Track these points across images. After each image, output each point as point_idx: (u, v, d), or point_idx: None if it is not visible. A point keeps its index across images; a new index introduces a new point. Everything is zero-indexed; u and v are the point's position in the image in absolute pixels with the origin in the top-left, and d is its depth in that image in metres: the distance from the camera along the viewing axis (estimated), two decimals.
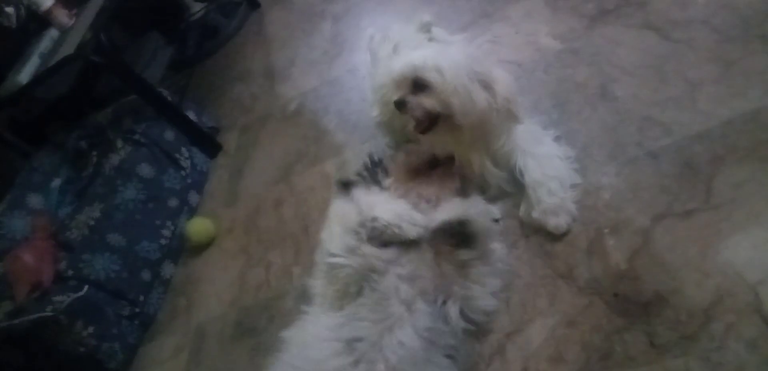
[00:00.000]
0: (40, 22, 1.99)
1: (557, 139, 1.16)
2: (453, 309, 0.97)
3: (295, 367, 0.93)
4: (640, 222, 1.01)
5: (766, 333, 0.80)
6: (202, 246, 1.75)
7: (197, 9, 2.93)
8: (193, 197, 1.92)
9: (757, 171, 0.96)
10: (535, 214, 1.09)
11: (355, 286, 0.97)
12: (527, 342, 0.99)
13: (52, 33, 1.97)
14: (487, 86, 1.04)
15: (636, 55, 1.26)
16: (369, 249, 0.98)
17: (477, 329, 1.01)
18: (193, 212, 1.90)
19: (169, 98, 1.97)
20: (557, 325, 0.98)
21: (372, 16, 2.16)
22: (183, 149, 1.93)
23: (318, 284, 1.05)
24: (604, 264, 1.00)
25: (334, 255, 1.00)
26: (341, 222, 1.03)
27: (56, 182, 1.86)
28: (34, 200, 1.78)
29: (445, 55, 1.05)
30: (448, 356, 0.95)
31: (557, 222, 1.07)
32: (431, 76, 1.03)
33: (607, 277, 0.98)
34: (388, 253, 0.99)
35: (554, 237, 1.09)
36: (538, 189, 1.08)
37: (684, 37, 1.22)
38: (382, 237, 0.99)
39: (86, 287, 1.47)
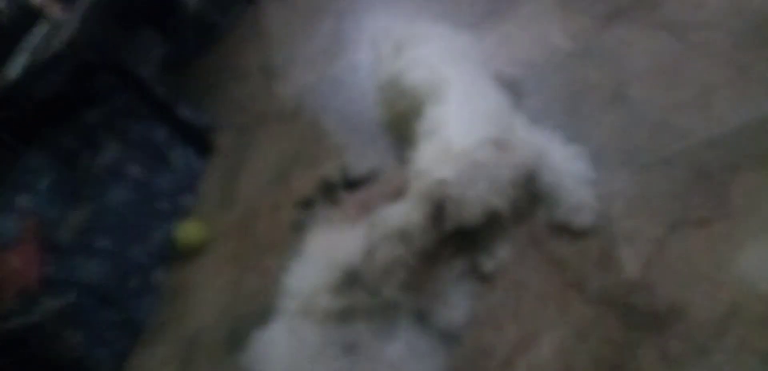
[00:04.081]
0: (31, 16, 1.96)
1: (568, 138, 1.13)
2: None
3: None
4: (653, 231, 0.98)
5: None
6: (194, 251, 1.71)
7: (193, 4, 2.90)
8: (186, 199, 1.89)
9: None
10: (558, 215, 1.06)
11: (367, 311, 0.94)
12: (536, 355, 0.96)
13: (44, 27, 1.94)
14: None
15: (649, 57, 1.24)
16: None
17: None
18: (186, 215, 1.86)
19: (163, 96, 1.95)
20: (567, 337, 0.95)
21: (374, 13, 2.13)
22: (176, 149, 1.91)
23: (312, 292, 1.00)
24: (616, 275, 0.97)
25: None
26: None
27: (45, 182, 1.83)
28: (23, 200, 1.74)
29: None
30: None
31: (582, 219, 1.04)
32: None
33: (618, 288, 0.95)
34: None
35: (565, 246, 1.05)
36: (555, 191, 1.05)
37: (698, 39, 1.20)
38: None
39: (75, 292, 1.44)
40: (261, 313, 1.36)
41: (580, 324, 0.95)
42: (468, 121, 1.02)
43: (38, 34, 1.93)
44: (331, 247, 1.02)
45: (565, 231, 1.06)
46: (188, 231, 1.73)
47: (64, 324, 1.40)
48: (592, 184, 1.07)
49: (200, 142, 2.03)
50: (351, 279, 0.95)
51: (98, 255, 1.55)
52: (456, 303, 1.04)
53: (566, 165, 1.07)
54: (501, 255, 1.09)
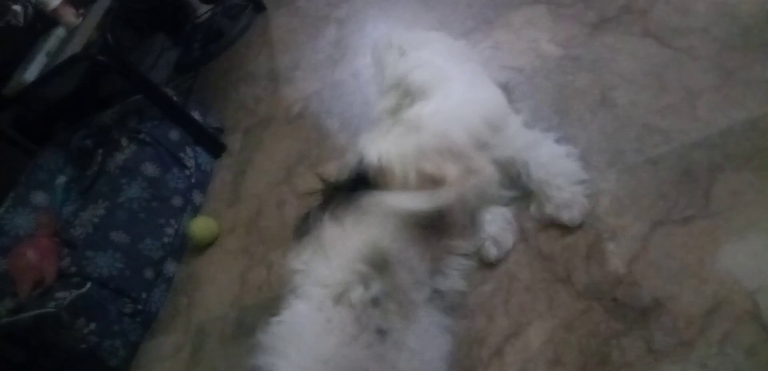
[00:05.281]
0: (47, 20, 2.01)
1: (558, 140, 1.17)
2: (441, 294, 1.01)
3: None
4: (639, 228, 1.01)
5: (765, 341, 0.81)
6: (205, 246, 1.76)
7: (203, 11, 2.96)
8: (196, 196, 1.94)
9: (755, 179, 0.96)
10: (549, 210, 1.09)
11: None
12: (525, 345, 1.00)
13: (59, 32, 1.99)
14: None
15: (636, 63, 1.27)
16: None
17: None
18: (196, 211, 1.91)
19: (175, 99, 1.99)
20: (555, 329, 0.99)
21: (375, 21, 2.18)
22: (187, 149, 1.94)
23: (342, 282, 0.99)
24: (603, 269, 1.01)
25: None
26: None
27: (61, 180, 1.88)
28: (39, 197, 1.80)
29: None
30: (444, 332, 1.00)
31: (572, 215, 1.07)
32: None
33: (605, 282, 0.99)
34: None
35: (554, 241, 1.09)
36: (547, 187, 1.09)
37: (684, 45, 1.23)
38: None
39: (89, 284, 1.48)
40: (267, 304, 1.42)
41: (568, 316, 0.99)
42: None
43: (54, 38, 1.99)
44: (350, 238, 1.03)
45: (555, 226, 1.10)
46: (200, 226, 1.77)
47: (78, 315, 1.44)
48: (582, 182, 1.11)
49: (211, 142, 2.07)
50: (380, 265, 0.97)
51: (112, 249, 1.58)
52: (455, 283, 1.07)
53: (557, 163, 1.11)
54: (506, 243, 1.13)
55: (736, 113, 1.06)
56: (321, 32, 2.32)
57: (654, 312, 0.91)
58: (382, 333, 0.92)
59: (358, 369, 0.89)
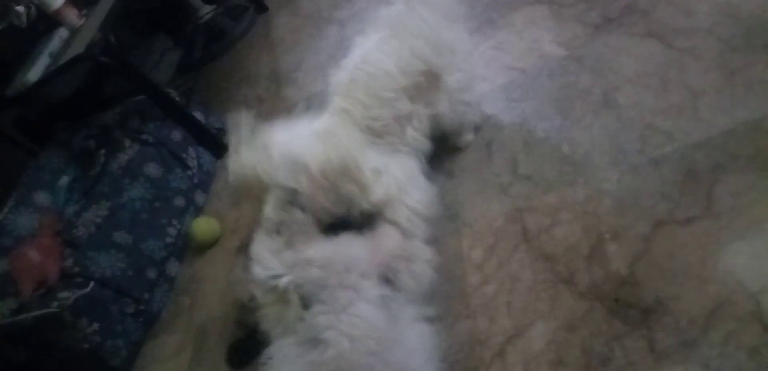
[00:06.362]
0: (49, 21, 2.01)
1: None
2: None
3: None
4: (641, 229, 1.02)
5: (767, 341, 0.81)
6: (207, 246, 1.76)
7: (205, 12, 2.96)
8: (199, 197, 1.94)
9: (758, 179, 0.96)
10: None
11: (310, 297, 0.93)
12: (528, 346, 1.00)
13: (62, 33, 1.99)
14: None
15: (639, 63, 1.27)
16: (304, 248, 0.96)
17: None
18: (199, 212, 1.91)
19: (177, 99, 1.99)
20: (558, 329, 0.99)
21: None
22: (190, 149, 1.94)
23: (271, 316, 0.98)
24: (605, 270, 1.01)
25: (277, 276, 0.95)
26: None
27: (64, 180, 1.88)
28: (42, 198, 1.80)
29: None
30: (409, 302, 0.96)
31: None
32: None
33: (607, 283, 0.99)
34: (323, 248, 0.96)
35: (556, 242, 1.10)
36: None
37: (687, 46, 1.23)
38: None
39: (91, 284, 1.48)
40: None
41: (571, 316, 0.99)
42: None
43: (57, 38, 1.99)
44: None
45: (557, 226, 1.10)
46: (202, 226, 1.77)
47: (81, 315, 1.44)
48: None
49: (213, 142, 2.07)
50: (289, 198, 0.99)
51: (115, 249, 1.58)
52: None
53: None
54: None
55: (738, 114, 1.06)
56: (323, 32, 2.32)
57: (656, 313, 0.91)
58: (314, 341, 0.89)
59: None
